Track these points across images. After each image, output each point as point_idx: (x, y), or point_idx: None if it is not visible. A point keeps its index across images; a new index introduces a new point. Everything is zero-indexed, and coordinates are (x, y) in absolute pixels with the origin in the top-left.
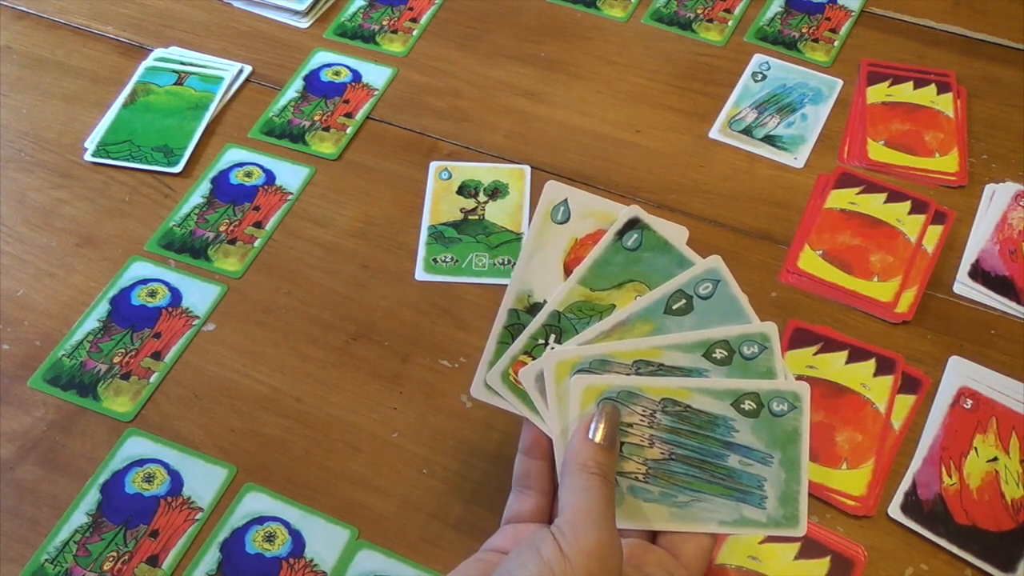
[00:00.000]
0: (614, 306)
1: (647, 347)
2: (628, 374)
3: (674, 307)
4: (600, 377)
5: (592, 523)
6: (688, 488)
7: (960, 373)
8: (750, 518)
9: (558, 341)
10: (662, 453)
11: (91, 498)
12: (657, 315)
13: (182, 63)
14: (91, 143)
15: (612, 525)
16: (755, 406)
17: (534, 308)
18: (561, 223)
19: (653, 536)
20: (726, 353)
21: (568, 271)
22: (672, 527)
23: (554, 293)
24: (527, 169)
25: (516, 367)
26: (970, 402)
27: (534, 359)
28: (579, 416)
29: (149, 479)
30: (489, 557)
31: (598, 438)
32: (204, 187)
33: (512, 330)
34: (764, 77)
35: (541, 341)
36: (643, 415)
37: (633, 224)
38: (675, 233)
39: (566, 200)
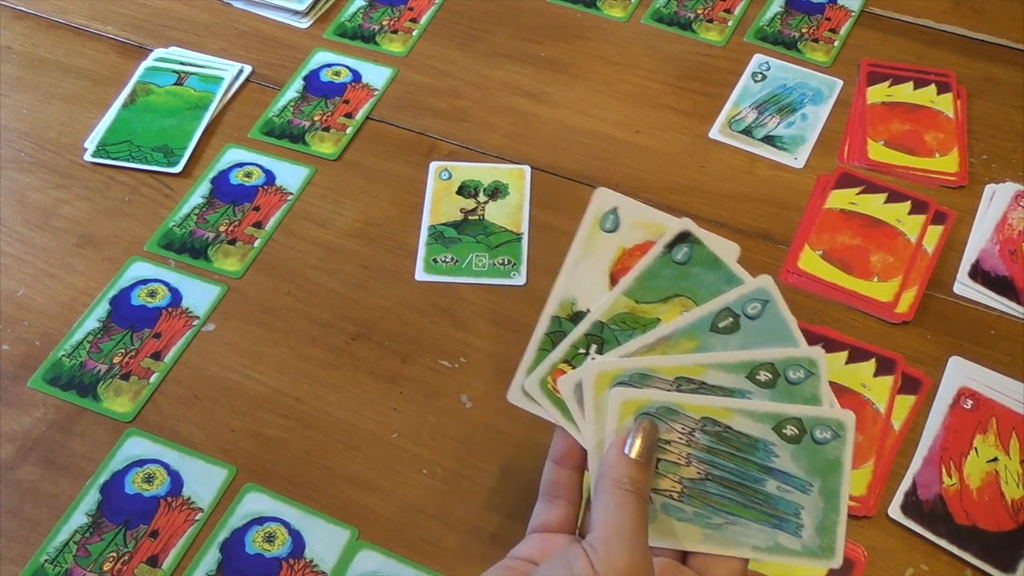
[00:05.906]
0: (659, 320)
1: (690, 364)
2: (669, 390)
3: (720, 325)
4: (640, 391)
5: (624, 542)
6: (723, 510)
7: (960, 373)
8: (785, 546)
9: (599, 352)
10: (698, 473)
11: (91, 498)
12: (702, 332)
13: (182, 63)
14: (91, 143)
15: (644, 544)
16: (797, 432)
17: (577, 316)
18: (610, 231)
19: (684, 556)
20: (771, 376)
21: (614, 281)
22: (704, 548)
23: (598, 303)
24: (527, 169)
25: (555, 375)
26: (970, 402)
27: (574, 368)
28: (616, 430)
29: (149, 479)
30: (516, 565)
31: (634, 454)
32: (204, 187)
33: (553, 337)
34: (764, 77)
35: (582, 350)
36: (681, 433)
37: (683, 238)
38: (726, 249)
39: (616, 208)
